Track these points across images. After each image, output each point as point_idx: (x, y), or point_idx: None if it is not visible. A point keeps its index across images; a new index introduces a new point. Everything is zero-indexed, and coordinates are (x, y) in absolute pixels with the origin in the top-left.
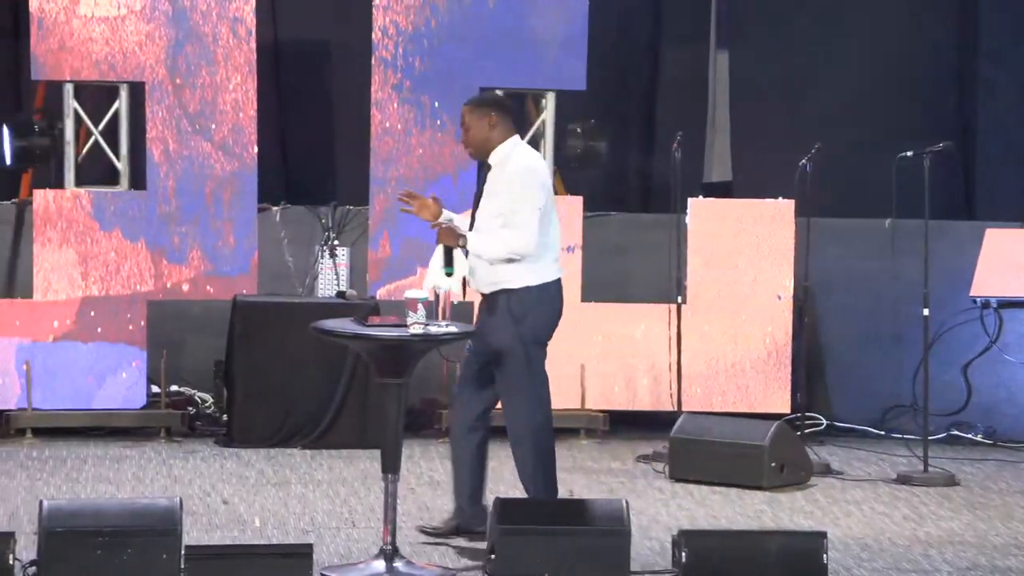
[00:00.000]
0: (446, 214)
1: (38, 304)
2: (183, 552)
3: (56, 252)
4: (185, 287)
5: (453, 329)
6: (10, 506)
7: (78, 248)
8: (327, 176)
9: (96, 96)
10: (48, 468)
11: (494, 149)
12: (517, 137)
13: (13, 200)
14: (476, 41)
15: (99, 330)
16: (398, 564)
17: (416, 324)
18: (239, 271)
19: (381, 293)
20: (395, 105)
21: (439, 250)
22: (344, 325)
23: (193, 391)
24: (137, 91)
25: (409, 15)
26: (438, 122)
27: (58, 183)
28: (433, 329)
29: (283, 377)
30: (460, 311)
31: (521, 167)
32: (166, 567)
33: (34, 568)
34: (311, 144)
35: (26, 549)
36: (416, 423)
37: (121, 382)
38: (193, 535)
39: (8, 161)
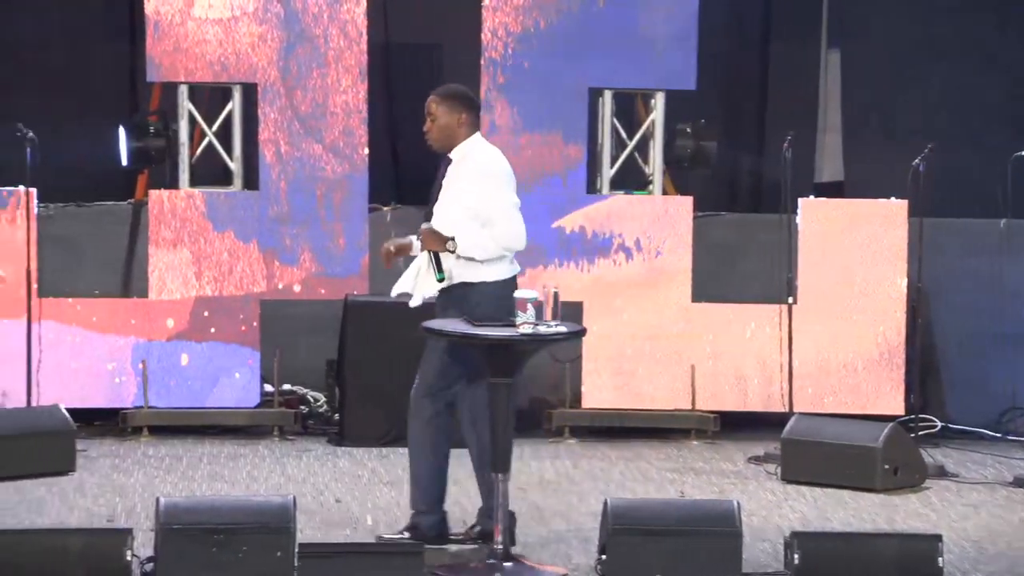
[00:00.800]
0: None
1: (153, 303)
2: (296, 550)
3: (170, 252)
4: (296, 288)
5: (562, 329)
6: (128, 503)
7: (192, 248)
8: (434, 177)
9: (210, 97)
10: (164, 466)
11: (457, 144)
12: (479, 134)
13: (129, 201)
14: (585, 41)
15: (212, 330)
16: (509, 564)
17: (525, 324)
18: (350, 272)
19: None
20: (504, 106)
21: (424, 256)
22: (454, 325)
23: (305, 390)
24: (250, 92)
25: (518, 16)
26: (547, 123)
27: (173, 184)
28: (542, 329)
29: (394, 376)
30: (568, 311)
31: (489, 164)
32: (280, 565)
33: (151, 564)
34: (421, 145)
35: (144, 546)
36: (526, 422)
37: (235, 381)
38: (306, 533)
39: (124, 162)
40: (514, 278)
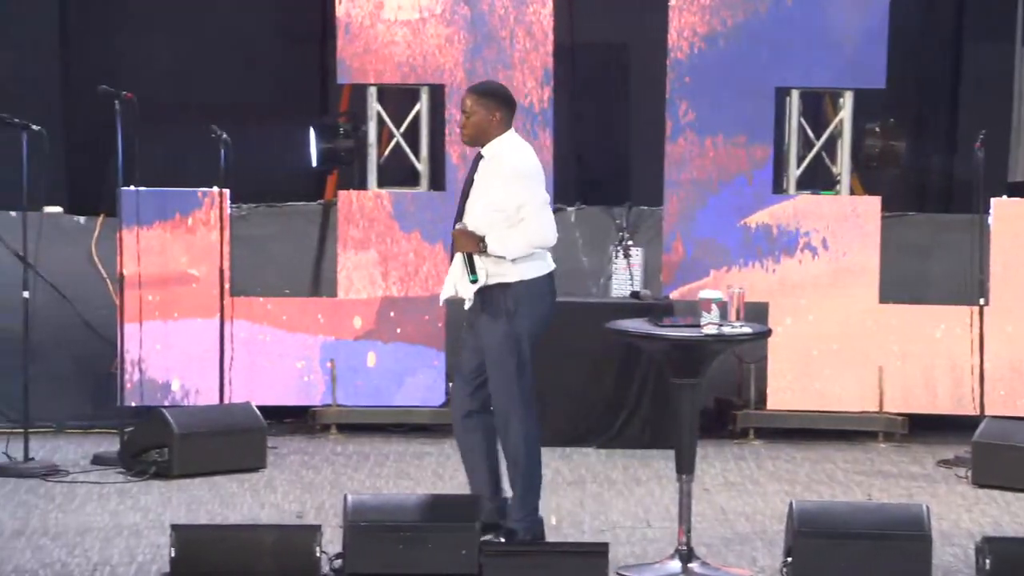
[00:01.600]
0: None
1: (341, 302)
2: (481, 548)
3: (358, 252)
4: None
5: (747, 330)
6: (317, 500)
7: (379, 248)
8: (622, 177)
9: (398, 98)
10: (352, 463)
11: (490, 141)
12: (512, 131)
13: (319, 201)
14: (772, 41)
15: (398, 330)
16: (694, 565)
17: (710, 324)
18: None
19: (674, 294)
20: (689, 106)
21: (458, 258)
22: (638, 325)
23: None
24: (437, 93)
25: (704, 16)
26: (732, 123)
27: (361, 184)
28: (727, 330)
29: (578, 376)
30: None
31: (519, 163)
32: (465, 562)
33: (339, 560)
34: (606, 145)
35: (332, 542)
36: (711, 423)
37: (420, 380)
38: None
39: (314, 163)
40: (551, 275)
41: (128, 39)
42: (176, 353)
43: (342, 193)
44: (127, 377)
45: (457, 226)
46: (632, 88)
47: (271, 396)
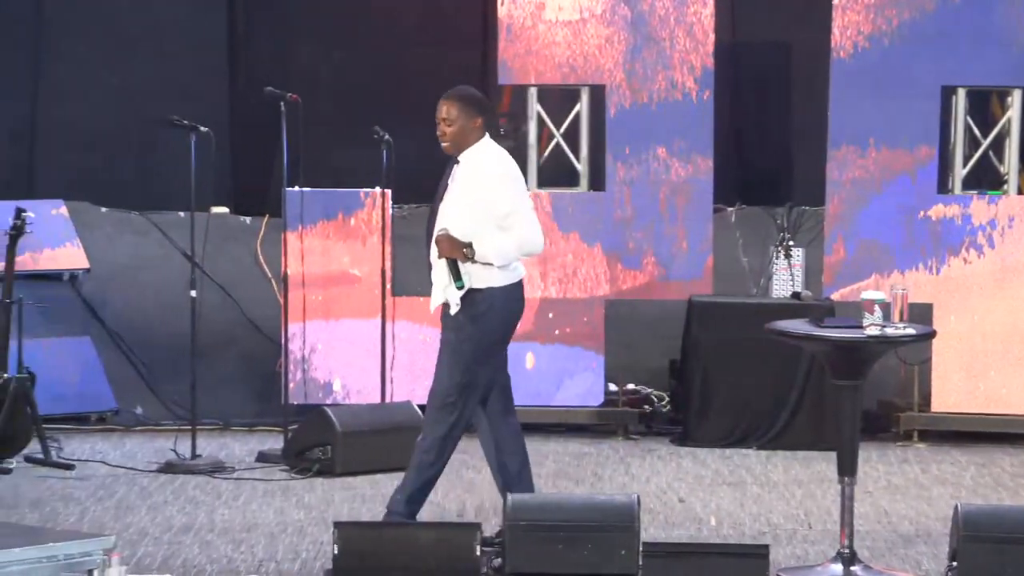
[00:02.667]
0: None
1: None
2: (640, 548)
3: None
4: (639, 292)
5: (911, 331)
6: (476, 498)
7: None
8: (783, 177)
9: (558, 99)
10: None
11: (468, 148)
12: (488, 137)
13: None
14: (938, 39)
15: (556, 332)
16: (856, 568)
17: (872, 326)
18: (692, 276)
19: (836, 295)
20: (853, 105)
21: (442, 264)
22: (799, 326)
23: (649, 390)
24: (597, 94)
25: (869, 14)
26: (897, 122)
27: None
28: (889, 331)
29: (738, 377)
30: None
31: (506, 169)
32: (624, 562)
33: (499, 560)
34: (767, 145)
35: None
36: (873, 425)
37: (579, 381)
38: (650, 532)
39: None
40: (520, 283)
41: (293, 41)
42: (338, 352)
43: None
44: (291, 376)
45: (438, 231)
46: (794, 87)
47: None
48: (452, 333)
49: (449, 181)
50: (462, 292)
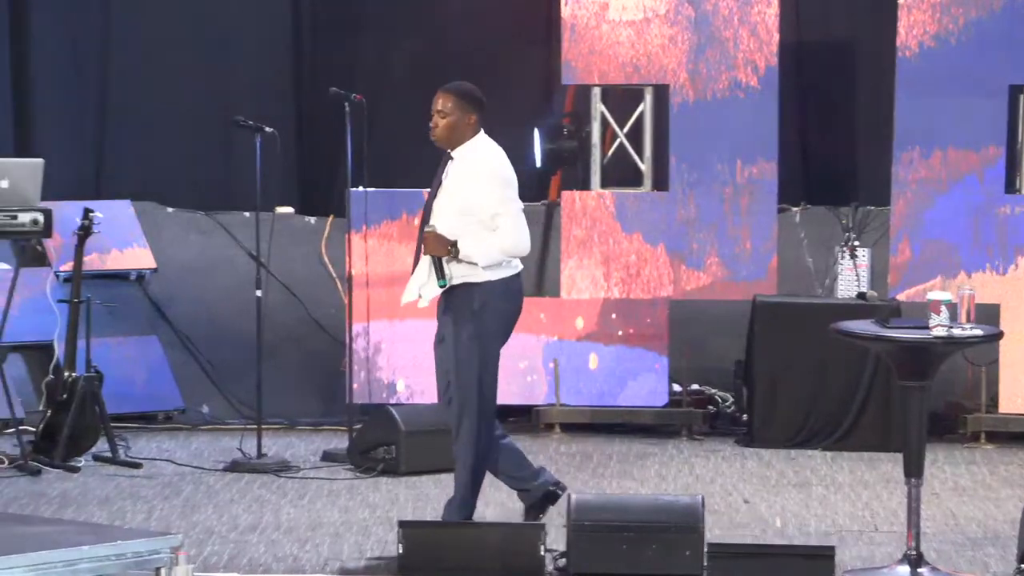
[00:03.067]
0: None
1: (564, 302)
2: (705, 549)
3: (581, 253)
4: (703, 293)
5: (978, 332)
6: None
7: (601, 249)
8: (848, 176)
9: (622, 99)
10: (575, 463)
11: (463, 143)
12: (483, 134)
13: (543, 201)
14: (1005, 38)
15: (619, 333)
16: (923, 570)
17: (939, 326)
18: (756, 276)
19: (902, 295)
20: (918, 105)
21: (426, 260)
22: (865, 326)
23: (714, 390)
24: (661, 94)
25: (935, 14)
26: (963, 121)
27: (585, 185)
28: (956, 332)
29: (803, 378)
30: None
31: (499, 168)
32: (689, 563)
33: (563, 560)
34: (832, 144)
35: (556, 541)
36: (940, 427)
37: (643, 381)
38: (715, 533)
39: (539, 164)
40: (518, 275)
41: (358, 41)
42: (402, 352)
43: (565, 193)
44: (355, 375)
45: (427, 229)
46: (859, 87)
47: None
48: (452, 331)
49: (443, 177)
50: (443, 290)
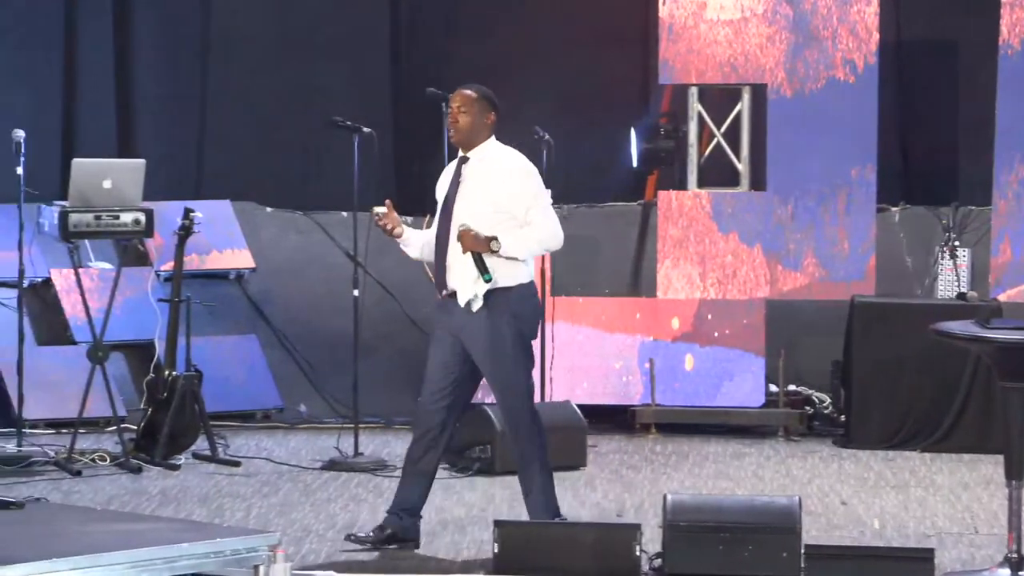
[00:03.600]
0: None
1: (660, 303)
2: (803, 551)
3: (677, 253)
4: (799, 293)
5: None
6: (636, 499)
7: (697, 249)
8: (949, 176)
9: (719, 98)
10: (671, 463)
11: (478, 145)
12: (494, 138)
13: (639, 201)
14: None
15: (716, 334)
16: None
17: None
18: (854, 277)
19: (1003, 296)
20: (1021, 104)
21: (467, 260)
22: (965, 327)
23: (810, 391)
24: (759, 93)
25: None
26: None
27: (681, 185)
28: None
29: (902, 378)
30: None
31: (521, 165)
32: (786, 565)
33: (659, 560)
34: (933, 143)
35: (651, 541)
36: None
37: (739, 381)
38: (812, 534)
39: (635, 163)
40: (533, 281)
41: (455, 42)
42: None
43: (662, 193)
44: None
45: (460, 226)
46: (960, 86)
47: (590, 395)
48: (491, 335)
49: (459, 180)
50: (490, 286)
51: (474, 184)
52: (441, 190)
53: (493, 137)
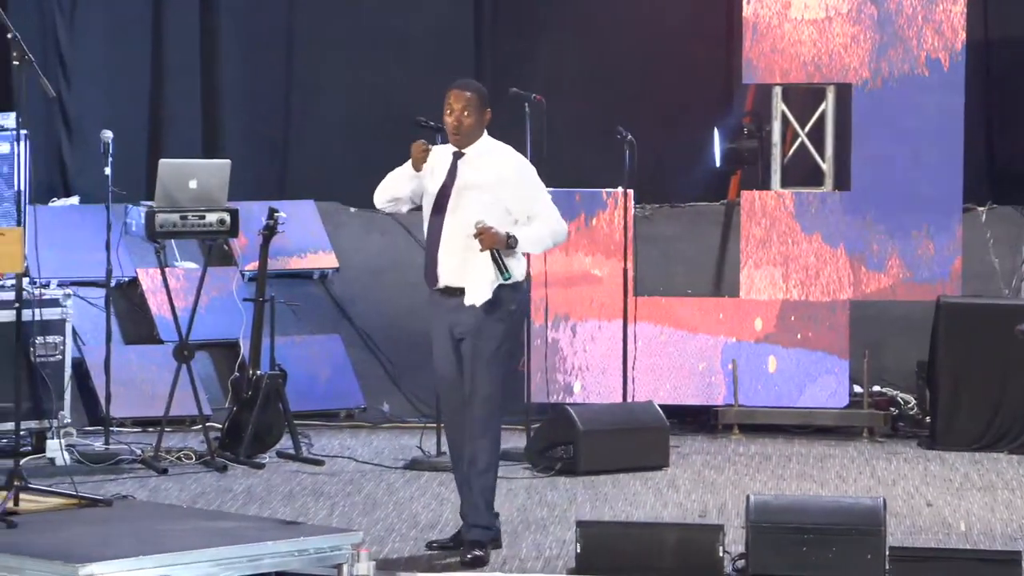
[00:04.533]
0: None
1: (742, 303)
2: (887, 553)
3: (759, 253)
4: (883, 295)
5: None
6: (719, 499)
7: (780, 250)
8: None
9: (802, 98)
10: (754, 464)
11: (475, 142)
12: (486, 131)
13: (722, 201)
14: None
15: (798, 336)
16: None
17: None
18: (939, 278)
19: None
20: None
21: (485, 257)
22: None
23: (895, 392)
24: (843, 92)
25: None
26: None
27: (764, 185)
28: None
29: (988, 380)
30: None
31: (521, 160)
32: (870, 567)
33: (742, 561)
34: (1020, 142)
35: (734, 542)
36: None
37: (823, 383)
38: (897, 536)
39: (718, 163)
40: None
41: (537, 41)
42: (580, 352)
43: (745, 193)
44: (533, 375)
45: (478, 223)
46: None
47: (673, 395)
48: (490, 331)
49: (455, 175)
50: (509, 283)
51: (473, 180)
52: (431, 183)
53: (485, 131)
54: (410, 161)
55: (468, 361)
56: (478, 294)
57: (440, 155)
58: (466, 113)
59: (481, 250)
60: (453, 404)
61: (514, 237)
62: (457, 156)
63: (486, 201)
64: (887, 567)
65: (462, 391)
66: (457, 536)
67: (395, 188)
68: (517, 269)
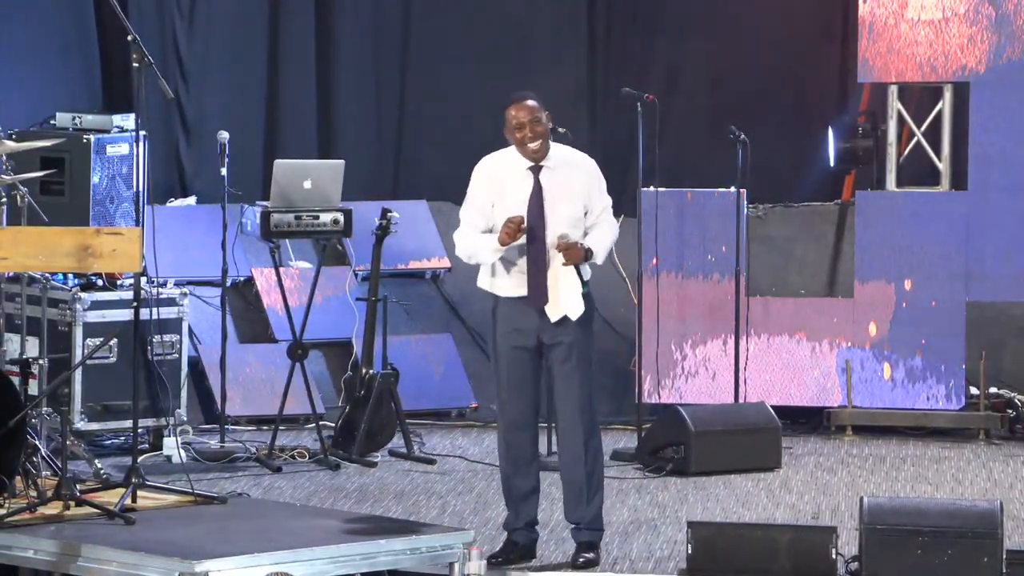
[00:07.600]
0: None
1: (856, 303)
2: (1004, 556)
3: (875, 254)
4: (1002, 295)
5: None
6: (832, 501)
7: (895, 250)
8: None
9: (918, 97)
10: (868, 465)
11: (548, 151)
12: None
13: (836, 201)
14: None
15: (913, 337)
16: None
17: None
18: None
19: None
20: None
21: (569, 272)
22: None
23: (1013, 394)
24: (960, 92)
25: None
26: None
27: (879, 184)
28: None
29: None
30: None
31: (594, 164)
32: (986, 570)
33: (856, 563)
34: None
35: (847, 544)
36: None
37: (939, 383)
38: (1014, 539)
39: (832, 163)
40: None
41: (651, 41)
42: (692, 352)
43: (860, 193)
44: (645, 375)
45: (560, 237)
46: None
47: (785, 396)
48: (573, 342)
49: (540, 190)
50: (585, 291)
51: (564, 191)
52: (514, 203)
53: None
54: (497, 236)
55: (560, 368)
56: (576, 308)
57: (506, 169)
58: (537, 123)
59: (565, 264)
60: (527, 414)
61: (590, 250)
62: (536, 171)
63: (576, 212)
64: (1004, 570)
65: (536, 400)
66: (508, 546)
67: (478, 257)
68: (588, 275)
